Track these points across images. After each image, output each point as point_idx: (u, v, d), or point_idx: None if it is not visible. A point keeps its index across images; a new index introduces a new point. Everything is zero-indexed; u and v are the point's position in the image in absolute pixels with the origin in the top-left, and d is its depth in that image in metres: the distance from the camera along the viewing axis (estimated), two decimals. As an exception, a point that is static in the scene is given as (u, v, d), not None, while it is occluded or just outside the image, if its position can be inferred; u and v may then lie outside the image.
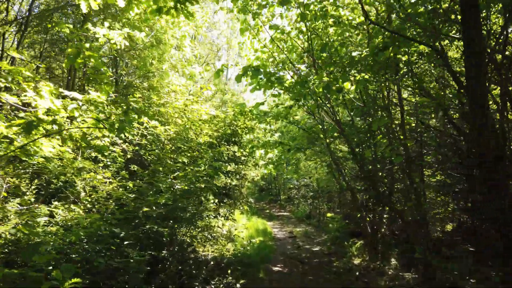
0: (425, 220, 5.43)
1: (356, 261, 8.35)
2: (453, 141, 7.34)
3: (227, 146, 6.90)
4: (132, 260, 3.39)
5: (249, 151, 8.99)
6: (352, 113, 7.74)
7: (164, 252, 3.89)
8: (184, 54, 6.80)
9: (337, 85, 4.40)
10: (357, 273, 7.51)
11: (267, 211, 19.75)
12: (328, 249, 9.82)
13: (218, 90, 14.87)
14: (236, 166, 7.91)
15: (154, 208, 3.94)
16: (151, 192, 4.06)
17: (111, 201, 4.05)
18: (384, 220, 8.18)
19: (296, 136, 9.54)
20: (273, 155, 9.68)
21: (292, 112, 8.95)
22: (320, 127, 8.56)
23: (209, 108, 6.40)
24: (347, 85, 4.34)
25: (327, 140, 8.38)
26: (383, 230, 7.99)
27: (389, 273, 7.22)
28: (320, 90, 4.26)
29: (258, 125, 11.13)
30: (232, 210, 8.42)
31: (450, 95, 6.57)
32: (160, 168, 4.42)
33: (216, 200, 5.81)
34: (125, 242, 3.53)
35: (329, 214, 11.28)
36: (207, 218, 4.86)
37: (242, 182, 19.28)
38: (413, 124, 7.30)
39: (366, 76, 4.24)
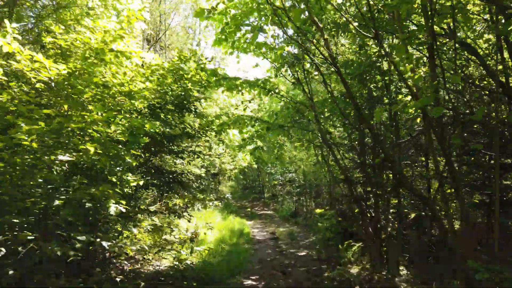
0: (467, 215, 3.56)
1: (354, 269, 6.43)
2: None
3: (176, 114, 4.85)
4: None
5: (218, 129, 6.97)
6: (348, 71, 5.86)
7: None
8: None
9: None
10: (357, 287, 5.61)
11: (249, 209, 17.75)
12: (318, 253, 7.89)
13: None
14: (191, 142, 5.86)
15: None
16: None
17: None
18: (390, 217, 6.30)
19: (277, 112, 7.56)
20: (249, 135, 7.68)
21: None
22: (308, 94, 6.63)
23: (145, 53, 4.34)
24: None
25: (316, 115, 6.45)
26: (389, 229, 6.11)
27: (401, 287, 5.33)
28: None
29: (226, 95, 9.15)
30: (191, 205, 6.37)
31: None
32: (21, 122, 2.36)
33: (138, 181, 3.71)
34: None
35: (318, 210, 9.39)
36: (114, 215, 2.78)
37: (220, 178, 17.20)
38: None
39: None
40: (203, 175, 10.53)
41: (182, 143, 5.32)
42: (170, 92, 4.82)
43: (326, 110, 7.19)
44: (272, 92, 7.02)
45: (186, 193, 5.67)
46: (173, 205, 8.96)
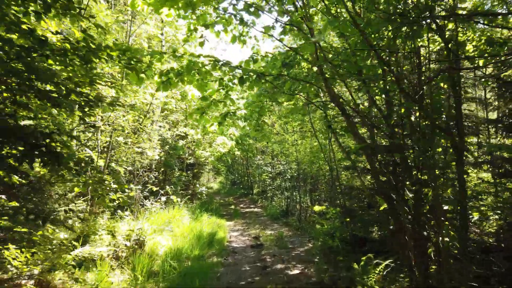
0: None
1: (382, 307, 3.85)
2: None
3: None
4: None
5: (161, 80, 4.35)
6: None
7: None
8: None
9: None
10: None
11: (233, 206, 15.10)
12: (319, 272, 5.29)
13: None
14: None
15: None
16: None
17: None
18: (442, 218, 3.70)
19: (256, 57, 4.89)
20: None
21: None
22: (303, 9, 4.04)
23: None
24: None
25: (317, 42, 3.82)
26: (446, 239, 3.50)
27: None
28: None
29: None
30: (99, 196, 3.71)
31: None
32: None
33: None
34: None
35: (316, 207, 6.79)
36: None
37: (196, 169, 14.45)
38: None
39: None
40: (158, 157, 7.80)
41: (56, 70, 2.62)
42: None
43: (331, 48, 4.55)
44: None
45: (66, 175, 2.97)
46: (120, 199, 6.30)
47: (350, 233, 6.48)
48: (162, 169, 9.25)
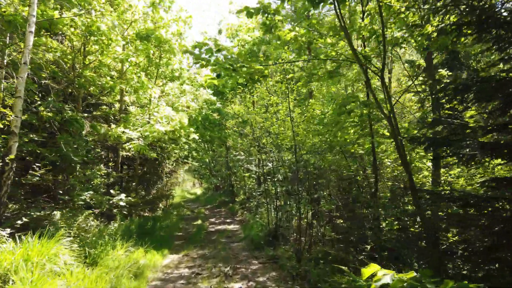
0: None
1: None
2: None
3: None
4: None
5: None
6: None
7: None
8: None
9: None
10: None
11: (199, 222, 10.42)
12: None
13: None
14: None
15: None
16: None
17: None
18: None
19: None
20: None
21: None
22: None
23: None
24: None
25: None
26: None
27: None
28: None
29: None
30: None
31: None
32: None
33: None
34: None
35: (381, 278, 2.13)
36: None
37: (138, 168, 9.60)
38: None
39: None
40: None
41: None
42: None
43: None
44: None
45: None
46: None
47: None
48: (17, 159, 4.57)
